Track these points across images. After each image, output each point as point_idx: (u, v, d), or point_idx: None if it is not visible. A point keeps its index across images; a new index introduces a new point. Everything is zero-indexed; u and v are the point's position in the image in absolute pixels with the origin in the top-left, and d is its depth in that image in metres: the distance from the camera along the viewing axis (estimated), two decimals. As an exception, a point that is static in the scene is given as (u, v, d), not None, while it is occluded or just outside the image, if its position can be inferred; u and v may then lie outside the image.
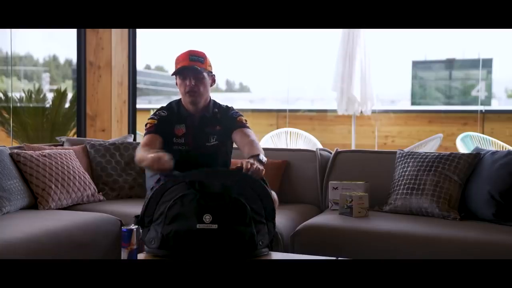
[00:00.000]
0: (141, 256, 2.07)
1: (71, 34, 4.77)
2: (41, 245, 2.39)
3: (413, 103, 7.92)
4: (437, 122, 6.88)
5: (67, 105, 5.87)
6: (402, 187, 2.91)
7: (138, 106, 4.95)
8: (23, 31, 5.52)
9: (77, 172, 3.20)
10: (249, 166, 2.15)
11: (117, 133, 4.67)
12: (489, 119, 6.52)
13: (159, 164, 2.16)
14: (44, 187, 3.00)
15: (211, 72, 2.59)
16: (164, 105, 2.69)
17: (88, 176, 3.28)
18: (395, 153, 3.16)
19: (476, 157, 2.91)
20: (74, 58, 4.84)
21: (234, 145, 2.68)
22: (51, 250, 2.41)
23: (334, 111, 5.81)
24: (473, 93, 7.38)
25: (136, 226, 2.01)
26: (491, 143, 4.99)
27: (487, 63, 7.06)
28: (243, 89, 9.38)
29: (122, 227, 2.01)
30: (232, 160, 2.74)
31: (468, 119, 6.53)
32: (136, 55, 4.81)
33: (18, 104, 5.89)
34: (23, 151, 3.16)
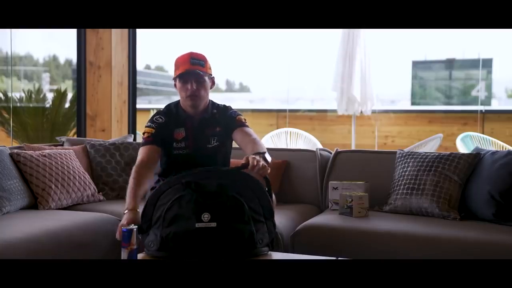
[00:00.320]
0: (141, 256, 2.06)
1: (71, 34, 4.77)
2: (41, 245, 2.39)
3: (413, 103, 7.93)
4: (437, 122, 6.88)
5: (67, 105, 5.88)
6: (402, 187, 2.91)
7: (138, 106, 4.95)
8: (23, 31, 5.52)
9: (77, 172, 3.20)
10: (255, 163, 2.14)
11: (117, 133, 4.67)
12: (489, 119, 6.52)
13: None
14: (44, 187, 3.00)
15: (211, 75, 2.59)
16: (162, 108, 2.66)
17: (88, 176, 3.28)
18: (395, 153, 3.16)
19: (476, 157, 2.91)
20: (74, 58, 4.84)
21: (234, 145, 2.67)
22: (51, 250, 2.41)
23: (334, 111, 5.81)
24: (473, 93, 7.39)
25: (136, 226, 2.01)
26: (491, 143, 4.99)
27: (487, 63, 7.06)
28: (243, 89, 9.38)
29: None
30: (231, 160, 2.74)
31: (468, 119, 6.54)
32: (136, 55, 4.82)
33: (18, 104, 5.89)
34: (23, 151, 3.16)
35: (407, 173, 2.94)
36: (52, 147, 3.45)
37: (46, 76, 7.07)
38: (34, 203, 2.98)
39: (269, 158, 2.29)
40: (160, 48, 7.98)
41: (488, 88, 7.26)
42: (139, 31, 4.86)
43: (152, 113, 2.66)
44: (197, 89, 2.51)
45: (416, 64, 8.00)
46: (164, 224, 2.03)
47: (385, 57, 6.15)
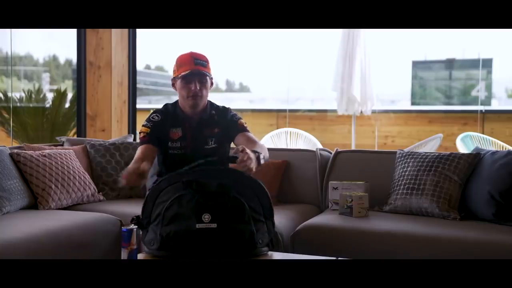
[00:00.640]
0: (141, 256, 2.06)
1: (71, 34, 4.77)
2: (41, 245, 2.39)
3: (413, 103, 7.92)
4: (437, 122, 6.88)
5: (67, 105, 5.88)
6: (402, 187, 2.91)
7: (138, 106, 4.95)
8: (23, 31, 5.52)
9: (77, 172, 3.20)
10: (245, 158, 2.11)
11: (117, 133, 4.67)
12: (489, 119, 6.52)
13: (129, 182, 2.14)
14: (44, 187, 3.00)
15: (211, 75, 2.60)
16: (160, 107, 2.67)
17: (88, 176, 3.28)
18: (395, 153, 3.16)
19: (476, 157, 2.91)
20: (74, 58, 4.84)
21: (233, 145, 2.67)
22: (51, 250, 2.41)
23: (334, 111, 5.81)
24: (473, 93, 7.38)
25: (136, 226, 2.01)
26: (491, 143, 4.99)
27: (487, 63, 7.05)
28: (243, 89, 9.37)
29: (122, 227, 2.01)
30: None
31: (468, 119, 6.53)
32: (136, 55, 4.82)
33: (18, 104, 5.89)
34: (23, 151, 3.16)
35: (407, 173, 2.94)
36: (52, 147, 3.45)
37: (46, 76, 7.06)
38: (34, 203, 2.98)
39: (262, 161, 2.27)
40: (160, 48, 7.98)
41: (488, 88, 7.25)
42: (139, 31, 4.86)
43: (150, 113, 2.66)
44: (200, 90, 2.53)
45: (416, 64, 8.00)
46: (163, 222, 2.03)
47: (385, 57, 6.14)
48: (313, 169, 3.31)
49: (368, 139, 6.67)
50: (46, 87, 6.85)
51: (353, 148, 5.56)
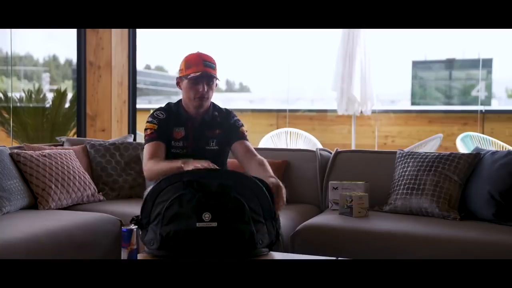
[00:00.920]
0: (141, 256, 2.06)
1: (71, 34, 4.77)
2: (41, 245, 2.39)
3: (413, 103, 7.92)
4: (437, 122, 6.88)
5: (67, 105, 5.88)
6: (402, 187, 2.91)
7: (138, 106, 4.95)
8: (23, 31, 5.52)
9: (77, 172, 3.20)
10: (279, 200, 2.19)
11: (117, 133, 4.67)
12: (489, 119, 6.52)
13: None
14: (44, 187, 3.00)
15: (218, 78, 2.62)
16: (162, 105, 2.68)
17: (88, 176, 3.28)
18: (395, 153, 3.16)
19: (476, 157, 2.91)
20: (74, 58, 4.84)
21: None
22: (51, 250, 2.41)
23: (334, 111, 5.81)
24: (473, 93, 7.39)
25: (136, 226, 2.01)
26: (491, 143, 4.99)
27: (487, 63, 7.06)
28: (243, 89, 9.37)
29: (122, 227, 2.01)
30: (228, 160, 2.75)
31: (468, 119, 6.53)
32: (136, 55, 4.82)
33: (18, 104, 5.89)
34: (23, 151, 3.16)
35: (407, 173, 2.94)
36: (52, 147, 3.45)
37: (46, 76, 7.06)
38: (34, 203, 2.98)
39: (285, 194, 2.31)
40: (160, 48, 7.98)
41: (488, 88, 7.25)
42: (139, 31, 4.86)
43: (151, 113, 2.66)
44: (207, 92, 2.56)
45: (416, 64, 8.00)
46: (163, 222, 2.03)
47: (385, 57, 6.15)
48: (313, 169, 3.31)
49: (368, 139, 6.67)
50: (46, 87, 6.84)
51: (353, 148, 5.56)
